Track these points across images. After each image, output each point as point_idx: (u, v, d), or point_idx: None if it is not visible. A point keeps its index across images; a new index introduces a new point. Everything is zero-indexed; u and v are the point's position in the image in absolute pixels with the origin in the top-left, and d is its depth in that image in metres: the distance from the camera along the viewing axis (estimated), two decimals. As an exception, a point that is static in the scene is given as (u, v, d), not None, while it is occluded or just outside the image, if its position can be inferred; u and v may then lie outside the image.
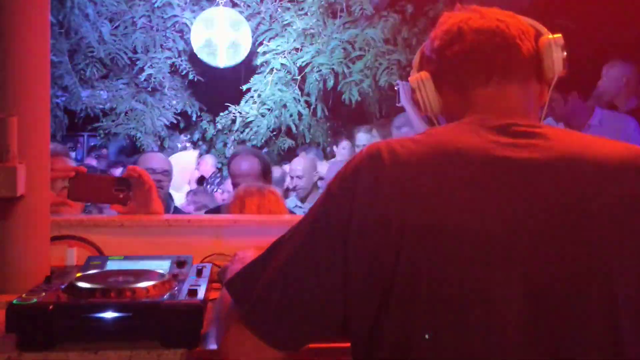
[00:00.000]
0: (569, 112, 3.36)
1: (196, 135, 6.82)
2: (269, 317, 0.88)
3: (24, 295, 1.19)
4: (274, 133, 5.06)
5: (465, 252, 0.82)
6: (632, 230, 0.83)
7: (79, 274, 1.32)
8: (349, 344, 0.92)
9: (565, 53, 1.00)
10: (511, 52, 0.98)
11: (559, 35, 1.01)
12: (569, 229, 0.82)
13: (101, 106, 5.29)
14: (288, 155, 5.75)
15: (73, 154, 6.54)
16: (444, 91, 1.04)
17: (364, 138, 4.44)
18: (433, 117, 1.09)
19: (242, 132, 5.36)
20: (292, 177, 4.11)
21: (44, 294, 1.21)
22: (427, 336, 0.81)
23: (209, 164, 5.71)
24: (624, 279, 0.81)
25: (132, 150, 5.75)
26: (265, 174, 3.08)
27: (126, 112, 5.30)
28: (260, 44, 4.86)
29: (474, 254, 0.81)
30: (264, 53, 4.83)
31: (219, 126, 5.16)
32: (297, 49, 4.79)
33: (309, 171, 4.10)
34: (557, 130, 0.94)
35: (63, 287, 1.24)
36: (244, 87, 4.90)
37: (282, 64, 4.78)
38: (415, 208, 0.83)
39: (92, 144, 7.16)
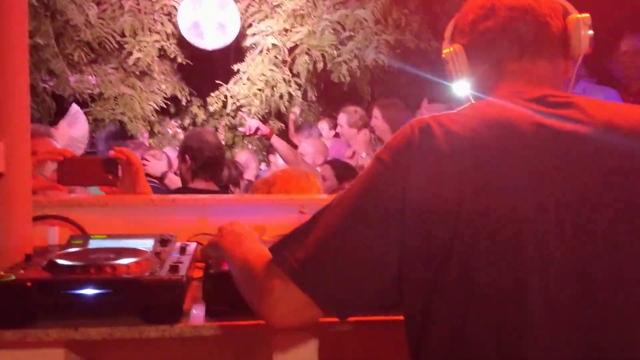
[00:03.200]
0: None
1: (187, 121, 6.77)
2: (320, 276, 0.90)
3: (2, 272, 1.17)
4: (266, 112, 5.01)
5: (523, 228, 0.84)
6: None
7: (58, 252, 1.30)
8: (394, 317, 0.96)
9: (591, 32, 1.04)
10: (542, 29, 1.02)
11: (587, 15, 1.04)
12: (618, 197, 0.87)
13: (90, 91, 5.22)
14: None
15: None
16: (476, 63, 1.07)
17: (344, 118, 4.47)
18: (465, 88, 1.12)
19: (233, 118, 5.32)
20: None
21: (22, 271, 1.19)
22: None
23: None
24: None
25: (122, 136, 5.70)
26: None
27: (115, 97, 5.24)
28: (250, 25, 4.81)
29: (533, 230, 0.84)
30: (254, 35, 4.78)
31: (211, 109, 5.10)
32: (287, 30, 4.74)
33: (314, 152, 4.15)
34: (588, 99, 0.97)
35: (43, 264, 1.22)
36: (235, 67, 4.84)
37: (272, 44, 4.73)
38: (472, 183, 0.86)
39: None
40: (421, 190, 0.87)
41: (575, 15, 1.05)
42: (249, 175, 4.43)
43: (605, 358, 0.84)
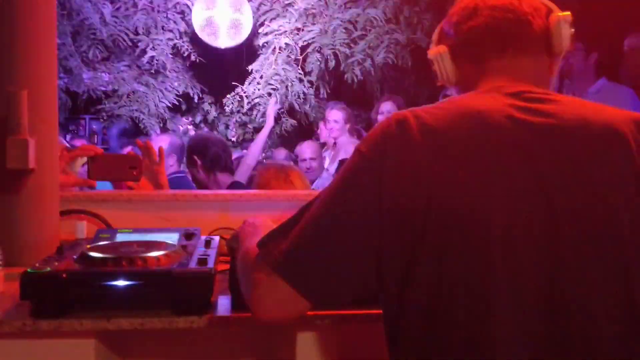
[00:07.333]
0: (583, 70, 3.29)
1: (198, 117, 6.83)
2: (303, 267, 0.91)
3: (37, 264, 1.22)
4: (281, 111, 5.06)
5: (491, 217, 0.86)
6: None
7: (89, 245, 1.34)
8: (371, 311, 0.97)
9: (572, 30, 1.06)
10: (523, 27, 1.04)
11: (568, 12, 1.07)
12: (585, 190, 0.89)
13: (103, 88, 5.29)
14: (290, 138, 5.75)
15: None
16: (460, 63, 1.11)
17: (338, 115, 4.51)
18: (450, 87, 1.15)
19: (245, 114, 5.35)
20: (304, 159, 4.21)
21: (56, 263, 1.23)
22: None
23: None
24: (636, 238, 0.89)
25: (135, 132, 5.75)
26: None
27: (128, 94, 5.30)
28: (262, 24, 4.85)
29: (500, 219, 0.86)
30: (266, 34, 4.81)
31: (227, 109, 5.15)
32: (299, 29, 4.77)
33: (319, 154, 4.26)
34: (566, 97, 1.00)
35: (75, 257, 1.27)
36: (250, 68, 4.88)
37: (286, 44, 4.76)
38: (442, 172, 0.88)
39: (94, 126, 7.16)
40: (395, 182, 0.89)
41: (557, 13, 1.07)
42: None
43: (568, 346, 0.86)
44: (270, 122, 4.51)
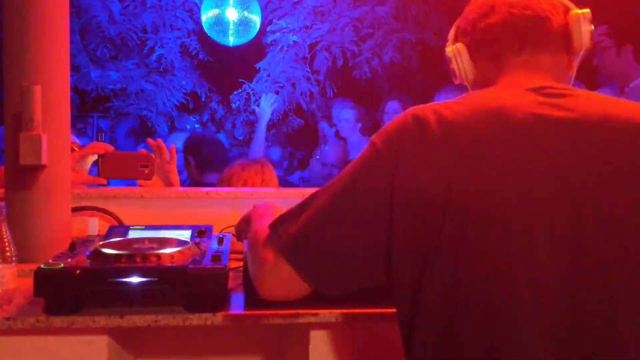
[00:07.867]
0: (619, 66, 3.16)
1: (205, 116, 6.82)
2: (308, 253, 0.93)
3: (50, 260, 1.21)
4: (289, 109, 5.05)
5: (511, 213, 0.85)
6: None
7: (102, 242, 1.34)
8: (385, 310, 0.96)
9: (592, 27, 1.06)
10: (542, 25, 1.04)
11: (587, 10, 1.06)
12: (608, 184, 0.87)
13: (111, 86, 5.30)
14: (295, 137, 5.73)
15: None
16: (478, 60, 1.10)
17: (348, 114, 4.47)
18: (468, 85, 1.15)
19: (252, 113, 5.35)
20: (325, 164, 4.13)
21: (69, 259, 1.22)
22: None
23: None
24: None
25: (143, 131, 5.75)
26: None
27: (136, 93, 5.31)
28: (270, 22, 4.84)
29: (520, 215, 0.85)
30: (274, 32, 4.81)
31: (234, 106, 5.15)
32: (308, 27, 4.77)
33: (343, 160, 4.16)
34: (587, 92, 0.99)
35: (88, 253, 1.26)
36: (258, 66, 4.88)
37: (293, 41, 4.76)
38: (462, 168, 0.87)
39: (102, 124, 7.16)
40: (410, 176, 0.88)
41: (576, 10, 1.06)
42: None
43: (589, 345, 0.85)
44: (265, 117, 4.47)
